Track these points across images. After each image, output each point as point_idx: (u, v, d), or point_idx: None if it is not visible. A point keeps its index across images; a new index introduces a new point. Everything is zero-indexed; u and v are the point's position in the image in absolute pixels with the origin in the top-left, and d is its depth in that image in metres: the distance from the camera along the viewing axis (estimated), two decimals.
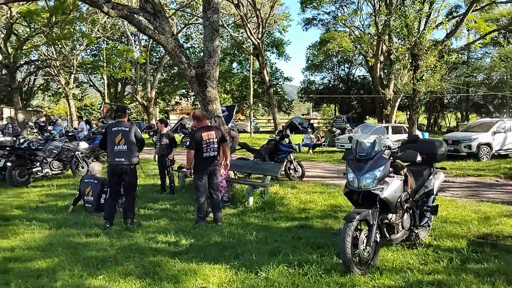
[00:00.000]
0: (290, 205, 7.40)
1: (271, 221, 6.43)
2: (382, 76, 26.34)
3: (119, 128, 6.13)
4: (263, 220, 6.48)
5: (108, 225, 6.04)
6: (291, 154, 10.69)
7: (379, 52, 24.03)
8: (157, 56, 39.77)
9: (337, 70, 42.90)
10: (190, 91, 39.73)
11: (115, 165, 6.09)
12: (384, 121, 23.40)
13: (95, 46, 36.23)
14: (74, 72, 33.11)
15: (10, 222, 6.44)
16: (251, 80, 30.78)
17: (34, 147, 10.40)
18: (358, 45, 28.37)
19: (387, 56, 24.22)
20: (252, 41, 21.49)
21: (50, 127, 19.15)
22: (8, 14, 17.54)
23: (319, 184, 9.82)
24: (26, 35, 19.72)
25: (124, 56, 19.76)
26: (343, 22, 29.64)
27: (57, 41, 19.83)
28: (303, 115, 52.38)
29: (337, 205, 7.43)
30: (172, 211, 7.06)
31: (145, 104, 28.27)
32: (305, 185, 9.56)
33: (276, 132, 11.98)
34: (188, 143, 6.32)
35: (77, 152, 11.05)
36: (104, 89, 37.80)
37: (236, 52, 37.07)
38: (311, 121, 39.82)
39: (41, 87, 44.84)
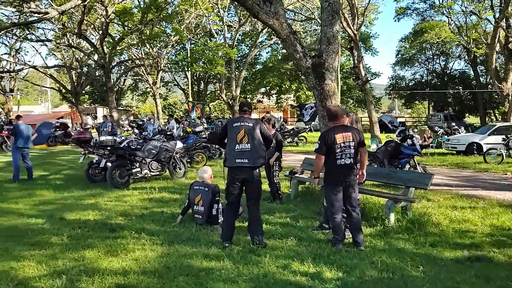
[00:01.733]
0: (441, 225, 5.91)
1: (428, 248, 5.03)
2: (498, 68, 23.29)
3: (242, 124, 5.09)
4: (417, 246, 5.09)
5: (227, 245, 5.04)
6: (415, 158, 9.09)
7: (495, 40, 21.13)
8: (239, 54, 39.53)
9: (432, 64, 39.40)
10: (271, 89, 38.87)
11: (235, 168, 5.06)
12: (501, 119, 20.51)
13: (180, 46, 36.85)
14: (161, 71, 33.94)
15: (118, 233, 5.72)
16: (338, 76, 29.06)
17: (133, 147, 9.90)
18: (460, 35, 25.44)
19: (504, 45, 21.24)
20: (348, 33, 19.90)
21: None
22: (104, 13, 17.84)
23: (455, 195, 8.14)
24: (120, 35, 20.06)
25: (216, 51, 19.19)
26: (442, 11, 26.78)
27: (149, 40, 19.87)
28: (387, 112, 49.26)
29: (504, 227, 5.80)
30: (295, 227, 5.91)
31: (230, 102, 27.81)
32: (440, 196, 7.94)
33: (397, 133, 10.44)
34: (317, 145, 5.12)
35: (175, 153, 10.42)
36: (188, 87, 38.33)
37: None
38: (400, 119, 36.99)
39: (130, 87, 46.86)
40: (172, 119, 17.64)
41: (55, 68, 28.52)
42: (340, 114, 5.18)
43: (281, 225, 6.00)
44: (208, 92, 45.41)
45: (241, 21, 27.12)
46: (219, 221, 5.93)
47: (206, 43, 21.82)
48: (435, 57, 38.62)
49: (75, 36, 23.18)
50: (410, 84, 40.34)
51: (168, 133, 12.16)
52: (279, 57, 36.67)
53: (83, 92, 34.09)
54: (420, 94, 37.70)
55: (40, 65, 24.38)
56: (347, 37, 21.53)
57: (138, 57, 31.03)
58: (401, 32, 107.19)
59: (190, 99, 37.12)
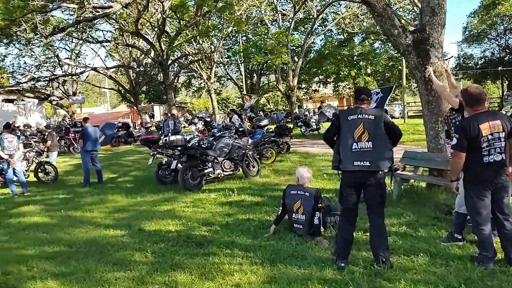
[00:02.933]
0: None
1: None
2: None
3: (360, 117, 4.07)
4: None
5: (343, 265, 4.10)
6: None
7: None
8: (293, 43, 38.20)
9: (504, 39, 35.94)
10: (327, 77, 37.31)
11: (354, 172, 4.08)
12: None
13: (232, 39, 36.28)
14: (214, 65, 33.55)
15: (206, 248, 4.97)
16: (403, 58, 27.11)
17: (204, 146, 9.22)
18: None
19: None
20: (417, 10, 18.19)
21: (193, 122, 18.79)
22: (160, 9, 17.45)
23: None
24: (176, 31, 19.66)
25: (278, 39, 18.13)
26: None
27: (205, 33, 19.25)
28: None
29: None
30: (417, 238, 4.84)
31: (287, 93, 26.79)
32: None
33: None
34: (455, 140, 4.01)
35: (247, 150, 9.63)
36: (242, 80, 37.78)
37: (379, 30, 33.33)
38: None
39: (184, 83, 47.16)
40: (234, 114, 16.96)
41: (114, 69, 28.91)
42: (484, 98, 4.04)
43: (399, 236, 4.95)
44: (261, 84, 44.65)
45: (296, 8, 25.93)
46: (322, 231, 5.02)
47: (266, 32, 20.81)
48: (507, 32, 35.17)
49: (130, 35, 23.19)
50: (480, 62, 37.14)
51: (240, 129, 11.38)
52: (335, 43, 35.04)
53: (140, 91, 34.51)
54: (493, 73, 34.53)
55: (97, 67, 24.64)
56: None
57: (191, 52, 30.81)
58: (462, 8, 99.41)
59: (244, 92, 36.60)
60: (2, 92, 24.62)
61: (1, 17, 11.09)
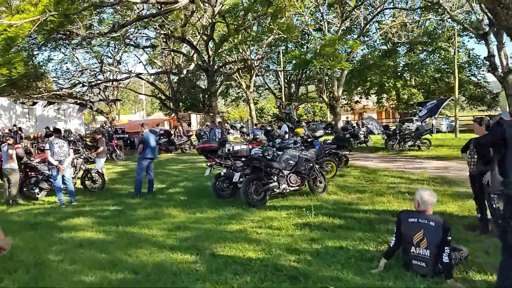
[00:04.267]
0: None
1: None
2: None
3: None
4: None
5: None
6: None
7: None
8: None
9: None
10: (369, 88, 35.97)
11: None
12: None
13: (272, 47, 35.60)
14: (254, 75, 32.91)
15: (304, 285, 4.01)
16: (456, 67, 25.60)
17: (269, 157, 8.31)
18: None
19: None
20: (488, 16, 16.81)
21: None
22: (210, 13, 16.88)
23: None
24: (224, 36, 19.06)
25: (337, 44, 17.11)
26: None
27: (257, 39, 18.48)
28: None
29: None
30: None
31: (332, 103, 25.68)
32: None
33: None
34: None
35: (315, 164, 8.66)
36: (282, 90, 36.96)
37: (428, 39, 31.83)
38: None
39: (221, 92, 46.78)
40: (284, 123, 16.05)
41: (154, 75, 28.67)
42: None
43: None
44: (300, 94, 43.71)
45: (344, 16, 24.93)
46: (453, 273, 3.97)
47: (322, 37, 19.92)
48: None
49: (173, 41, 22.81)
50: None
51: (308, 140, 10.42)
52: (379, 54, 33.74)
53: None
54: None
55: (141, 73, 24.35)
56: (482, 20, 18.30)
57: (231, 61, 30.27)
58: None
59: (283, 101, 35.72)
60: (45, 97, 24.70)
61: (56, 15, 10.75)
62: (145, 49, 23.86)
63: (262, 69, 30.82)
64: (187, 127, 25.81)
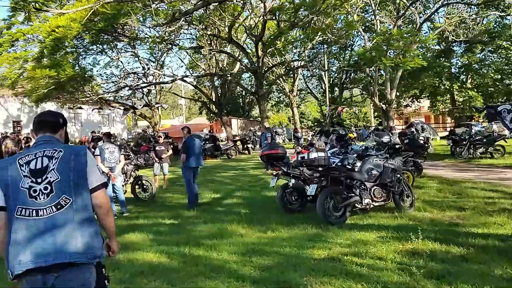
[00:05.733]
0: None
1: None
2: None
3: None
4: None
5: None
6: None
7: None
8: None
9: None
10: (422, 91, 33.89)
11: None
12: None
13: (316, 49, 34.34)
14: (298, 78, 31.71)
15: None
16: None
17: (349, 166, 7.12)
18: None
19: None
20: None
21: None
22: (262, 10, 15.90)
23: None
24: (274, 34, 18.02)
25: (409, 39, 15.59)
26: None
27: (312, 38, 17.21)
28: None
29: None
30: None
31: (385, 107, 24.10)
32: None
33: None
34: None
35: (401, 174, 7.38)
36: (325, 93, 35.60)
37: (489, 38, 29.48)
38: None
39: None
40: (340, 126, 14.77)
41: (197, 79, 28.06)
42: None
43: None
44: (343, 100, 42.09)
45: (400, 13, 23.41)
46: None
47: (389, 32, 18.43)
48: None
49: (216, 43, 22.02)
50: None
51: (397, 146, 9.13)
52: (433, 54, 31.66)
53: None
54: None
55: (186, 75, 23.71)
56: None
57: (275, 64, 29.23)
58: None
59: (328, 105, 34.28)
60: (90, 101, 24.56)
61: (110, 2, 10.13)
62: (191, 50, 23.20)
63: (311, 69, 29.34)
64: (231, 131, 24.95)
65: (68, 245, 2.18)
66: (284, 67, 30.38)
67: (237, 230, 6.73)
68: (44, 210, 2.19)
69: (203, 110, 44.39)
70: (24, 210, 2.19)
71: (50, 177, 2.24)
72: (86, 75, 18.89)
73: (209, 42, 22.18)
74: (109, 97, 25.24)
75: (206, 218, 7.75)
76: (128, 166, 9.90)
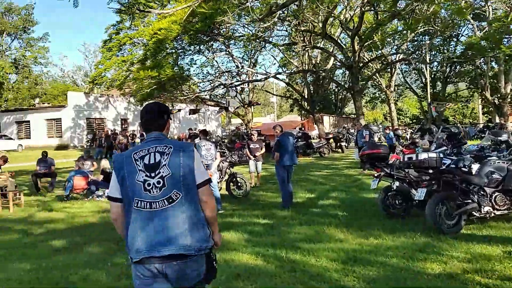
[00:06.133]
0: None
1: None
2: None
3: None
4: None
5: None
6: None
7: None
8: None
9: None
10: None
11: None
12: None
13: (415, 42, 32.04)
14: (395, 73, 29.89)
15: None
16: None
17: (466, 169, 6.27)
18: None
19: None
20: None
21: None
22: (359, 1, 15.09)
23: None
24: (371, 26, 17.06)
25: None
26: None
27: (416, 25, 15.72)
28: None
29: None
30: None
31: (497, 102, 21.59)
32: None
33: None
34: None
35: None
36: (426, 88, 33.11)
37: None
38: None
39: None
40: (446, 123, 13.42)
41: (289, 76, 27.86)
42: None
43: None
44: (446, 95, 38.83)
45: None
46: None
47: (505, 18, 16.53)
48: None
49: (309, 39, 21.52)
50: None
51: None
52: None
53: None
54: None
55: (279, 72, 23.64)
56: None
57: (370, 59, 27.87)
58: None
59: (429, 101, 31.85)
60: (188, 100, 25.69)
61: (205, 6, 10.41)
62: (284, 47, 23.07)
63: (413, 61, 27.45)
64: (324, 129, 24.35)
65: (179, 238, 2.30)
66: (380, 61, 28.87)
67: (335, 234, 6.31)
68: (157, 203, 2.32)
69: (294, 108, 44.13)
70: (140, 202, 2.33)
71: (163, 172, 2.35)
72: (184, 75, 19.76)
73: (302, 39, 21.80)
74: (205, 95, 26.16)
75: (301, 219, 7.44)
76: (223, 163, 9.98)
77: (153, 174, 2.35)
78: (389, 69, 32.27)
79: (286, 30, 22.75)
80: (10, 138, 34.72)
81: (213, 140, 17.94)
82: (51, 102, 40.37)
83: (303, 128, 31.48)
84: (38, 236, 6.94)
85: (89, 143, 29.27)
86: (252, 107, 29.83)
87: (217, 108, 35.54)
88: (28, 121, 36.37)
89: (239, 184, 9.98)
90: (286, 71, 27.95)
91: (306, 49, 21.86)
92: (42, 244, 6.40)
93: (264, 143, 16.85)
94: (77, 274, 4.92)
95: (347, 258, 5.13)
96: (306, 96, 25.78)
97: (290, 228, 6.83)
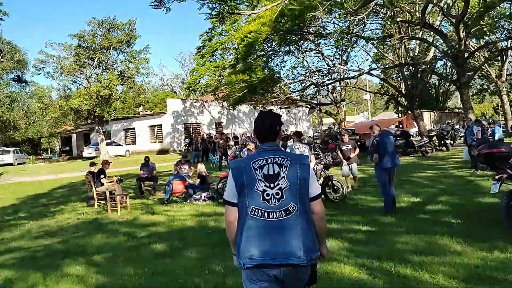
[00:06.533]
0: None
1: None
2: None
3: None
4: None
5: None
6: None
7: None
8: None
9: None
10: None
11: None
12: None
13: None
14: (507, 61, 26.73)
15: None
16: None
17: None
18: None
19: None
20: None
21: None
22: None
23: None
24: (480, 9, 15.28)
25: None
26: None
27: None
28: None
29: None
30: None
31: None
32: None
33: None
34: None
35: None
36: None
37: None
38: None
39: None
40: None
41: (384, 71, 26.38)
42: None
43: None
44: None
45: None
46: None
47: None
48: None
49: (406, 29, 20.04)
50: None
51: None
52: None
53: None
54: None
55: (373, 68, 22.47)
56: None
57: (478, 46, 25.21)
58: None
59: None
60: (279, 101, 25.67)
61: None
62: (377, 41, 21.86)
63: None
64: (425, 126, 22.56)
65: (294, 249, 2.39)
66: (488, 49, 26.04)
67: (450, 246, 5.55)
68: (275, 213, 2.42)
69: (389, 104, 41.88)
70: (257, 210, 2.43)
71: (281, 184, 2.45)
72: (274, 77, 19.71)
73: (397, 30, 20.43)
74: (296, 96, 25.88)
75: (407, 227, 6.73)
76: (317, 165, 9.56)
77: (272, 185, 2.44)
78: (499, 58, 29.01)
79: (380, 23, 21.55)
80: (119, 144, 38.05)
81: (306, 141, 17.55)
82: (153, 110, 43.42)
83: (401, 126, 29.65)
84: (141, 239, 7.19)
85: (186, 147, 30.82)
86: (344, 105, 28.78)
87: (309, 109, 35.13)
88: (134, 128, 39.51)
89: (335, 187, 9.48)
90: (381, 66, 26.50)
91: (403, 41, 20.44)
92: (145, 247, 6.59)
93: (358, 143, 16.07)
94: (176, 281, 4.91)
95: (469, 276, 4.43)
96: (403, 92, 24.18)
97: (396, 237, 6.19)
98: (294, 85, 26.91)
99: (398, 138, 18.62)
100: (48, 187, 17.26)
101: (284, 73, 28.25)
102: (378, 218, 7.54)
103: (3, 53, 35.72)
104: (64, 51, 32.68)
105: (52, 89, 38.34)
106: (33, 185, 18.92)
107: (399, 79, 31.72)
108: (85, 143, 43.71)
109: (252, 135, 24.07)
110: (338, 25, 20.85)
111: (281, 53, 21.31)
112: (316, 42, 22.65)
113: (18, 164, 38.08)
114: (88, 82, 32.69)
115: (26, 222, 9.61)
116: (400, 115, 35.86)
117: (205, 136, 28.24)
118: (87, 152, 36.23)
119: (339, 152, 11.15)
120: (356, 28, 19.46)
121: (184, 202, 10.78)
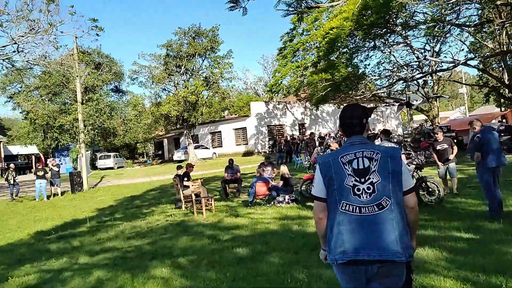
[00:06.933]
0: None
1: None
2: None
3: None
4: None
5: None
6: None
7: None
8: None
9: None
10: None
11: None
12: None
13: None
14: None
15: None
16: None
17: None
18: None
19: None
20: None
21: None
22: None
23: None
24: None
25: None
26: None
27: None
28: None
29: None
30: None
31: None
32: None
33: None
34: None
35: None
36: None
37: None
38: None
39: None
40: None
41: (485, 60, 23.94)
42: None
43: None
44: None
45: None
46: None
47: None
48: None
49: (505, 14, 17.92)
50: None
51: None
52: None
53: None
54: None
55: (469, 58, 20.46)
56: None
57: None
58: None
59: None
60: (364, 99, 24.60)
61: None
62: (473, 28, 19.88)
63: None
64: None
65: (389, 244, 2.30)
66: None
67: None
68: (367, 208, 2.35)
69: (490, 97, 38.09)
70: (348, 205, 2.37)
71: (373, 178, 2.37)
72: (359, 73, 18.88)
73: (498, 14, 18.39)
74: (382, 93, 24.61)
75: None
76: (409, 166, 8.80)
77: (362, 180, 2.38)
78: None
79: (477, 7, 19.56)
80: (206, 148, 39.51)
81: (395, 140, 16.50)
82: (238, 113, 44.43)
83: (504, 120, 26.75)
84: (225, 242, 7.17)
85: (271, 149, 30.93)
86: (438, 101, 26.70)
87: (397, 105, 33.25)
88: (220, 132, 40.76)
89: (430, 189, 8.65)
90: (479, 56, 24.12)
91: (505, 26, 18.29)
92: (228, 251, 6.54)
93: (455, 140, 14.70)
94: None
95: None
96: (507, 82, 21.72)
97: (504, 246, 5.40)
98: (380, 82, 25.64)
99: (503, 134, 16.77)
100: (142, 189, 18.38)
101: (369, 70, 27.04)
102: (482, 224, 6.69)
103: (102, 66, 39.04)
104: (154, 61, 34.81)
105: (145, 97, 41.02)
106: (129, 188, 20.29)
107: (501, 68, 28.64)
108: (175, 147, 46.15)
109: (336, 135, 23.37)
110: (428, 14, 19.37)
111: (365, 48, 20.37)
112: (404, 35, 21.27)
113: (118, 167, 41.46)
114: (176, 89, 34.39)
115: (121, 223, 10.20)
116: (503, 108, 32.36)
117: (288, 138, 28.09)
118: (177, 155, 38.13)
119: (434, 155, 10.19)
120: (449, 15, 17.90)
121: (268, 205, 10.66)
